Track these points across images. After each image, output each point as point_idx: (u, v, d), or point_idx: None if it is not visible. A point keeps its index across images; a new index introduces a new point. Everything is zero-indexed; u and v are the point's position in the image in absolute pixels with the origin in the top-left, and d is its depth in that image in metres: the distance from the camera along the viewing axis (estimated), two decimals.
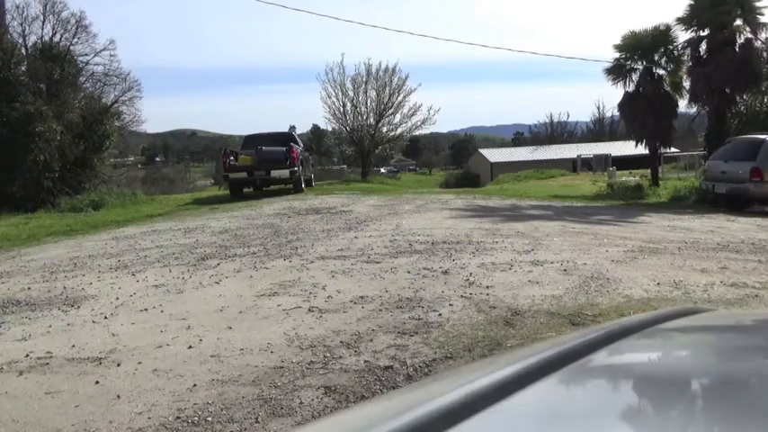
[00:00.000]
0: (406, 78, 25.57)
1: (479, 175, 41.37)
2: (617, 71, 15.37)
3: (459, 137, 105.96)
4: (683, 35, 14.84)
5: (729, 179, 11.04)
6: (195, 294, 4.73)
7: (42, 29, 16.61)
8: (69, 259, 6.61)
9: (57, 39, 16.76)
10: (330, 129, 29.40)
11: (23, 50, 16.38)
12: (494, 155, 49.36)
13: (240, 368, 3.11)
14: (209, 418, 2.56)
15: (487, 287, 4.60)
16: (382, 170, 53.52)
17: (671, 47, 15.01)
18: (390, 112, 25.66)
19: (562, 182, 22.73)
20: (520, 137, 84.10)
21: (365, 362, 3.16)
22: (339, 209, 11.00)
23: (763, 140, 10.79)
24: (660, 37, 14.93)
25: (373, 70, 25.31)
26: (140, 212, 12.00)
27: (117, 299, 4.69)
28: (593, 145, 44.70)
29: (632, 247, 6.34)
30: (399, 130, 26.45)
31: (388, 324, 3.77)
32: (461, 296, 4.36)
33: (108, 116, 17.54)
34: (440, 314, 3.94)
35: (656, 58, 15.07)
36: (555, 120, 62.93)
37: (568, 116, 66.20)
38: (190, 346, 3.47)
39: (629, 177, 20.57)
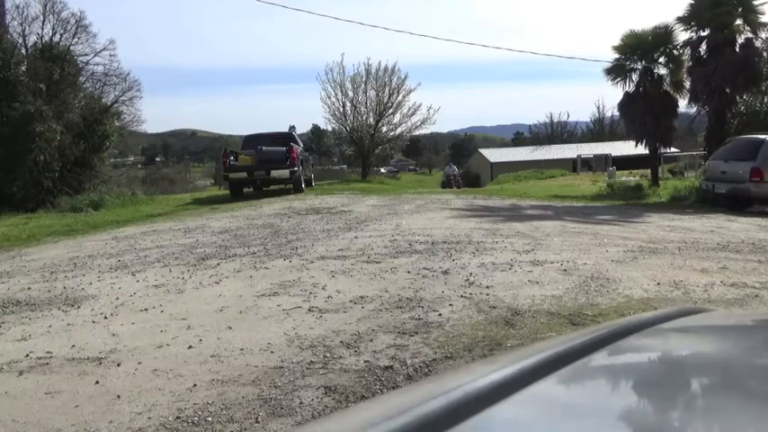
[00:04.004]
0: (405, 78, 25.63)
1: (479, 175, 41.40)
2: (617, 71, 15.38)
3: (459, 137, 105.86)
4: (683, 35, 14.87)
5: (729, 179, 11.04)
6: (195, 294, 4.72)
7: (42, 29, 16.64)
8: (69, 259, 6.61)
9: (57, 39, 16.77)
10: (330, 129, 29.44)
11: (23, 50, 16.38)
12: (494, 155, 49.38)
13: (240, 368, 3.11)
14: (210, 418, 2.56)
15: (487, 287, 4.60)
16: (382, 170, 53.47)
17: (671, 47, 15.01)
18: (390, 111, 25.69)
19: (562, 182, 22.73)
20: (520, 137, 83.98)
21: (365, 362, 3.16)
22: (339, 209, 11.00)
23: (763, 140, 10.79)
24: (660, 37, 14.93)
25: (373, 70, 25.37)
26: (140, 212, 12.00)
27: (117, 299, 4.69)
28: (593, 145, 44.70)
29: (632, 247, 6.33)
30: (399, 130, 26.48)
31: (388, 324, 3.77)
32: (461, 296, 4.36)
33: (108, 116, 17.54)
34: (440, 314, 3.94)
35: (656, 58, 15.08)
36: (555, 120, 62.87)
37: (568, 116, 66.12)
38: (190, 346, 3.47)
39: (629, 177, 20.58)
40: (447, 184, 29.26)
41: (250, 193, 15.24)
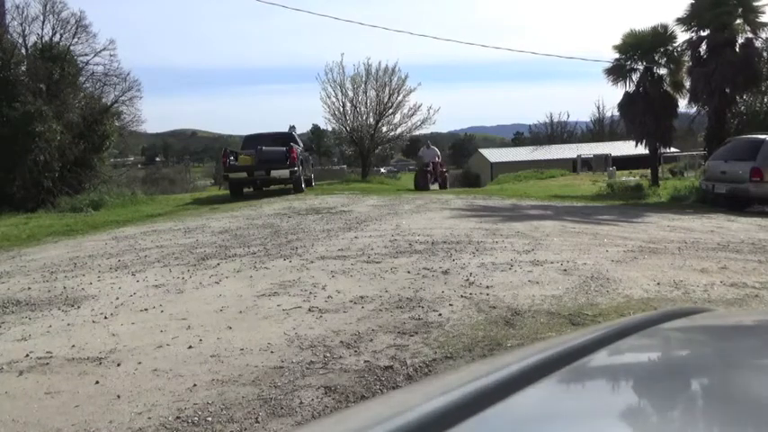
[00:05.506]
0: (405, 78, 25.59)
1: (479, 175, 41.38)
2: (617, 71, 15.38)
3: (459, 137, 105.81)
4: (682, 35, 14.88)
5: (729, 179, 11.04)
6: (195, 294, 4.72)
7: (42, 29, 16.63)
8: (69, 259, 6.61)
9: (57, 39, 16.76)
10: (330, 129, 29.40)
11: (23, 50, 16.38)
12: (494, 155, 49.36)
13: (240, 368, 3.11)
14: (209, 418, 2.56)
15: (487, 287, 4.60)
16: (382, 170, 53.42)
17: (671, 47, 15.02)
18: (390, 111, 25.66)
19: (562, 182, 22.73)
20: (520, 137, 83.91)
21: (365, 362, 3.16)
22: (339, 209, 10.99)
23: (763, 140, 10.79)
24: (660, 37, 14.93)
25: (373, 70, 25.32)
26: (140, 212, 12.00)
27: (117, 299, 4.69)
28: (593, 145, 44.67)
29: (632, 247, 6.33)
30: (399, 130, 26.44)
31: (388, 324, 3.77)
32: (461, 296, 4.36)
33: (108, 116, 17.54)
34: (440, 314, 3.94)
35: (656, 58, 15.08)
36: (555, 120, 62.77)
37: (568, 116, 65.90)
38: (190, 346, 3.47)
39: (629, 177, 20.57)
40: (422, 179, 17.94)
41: (250, 193, 15.23)
